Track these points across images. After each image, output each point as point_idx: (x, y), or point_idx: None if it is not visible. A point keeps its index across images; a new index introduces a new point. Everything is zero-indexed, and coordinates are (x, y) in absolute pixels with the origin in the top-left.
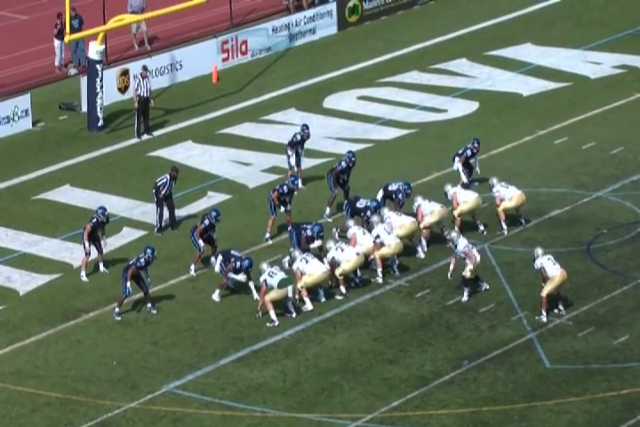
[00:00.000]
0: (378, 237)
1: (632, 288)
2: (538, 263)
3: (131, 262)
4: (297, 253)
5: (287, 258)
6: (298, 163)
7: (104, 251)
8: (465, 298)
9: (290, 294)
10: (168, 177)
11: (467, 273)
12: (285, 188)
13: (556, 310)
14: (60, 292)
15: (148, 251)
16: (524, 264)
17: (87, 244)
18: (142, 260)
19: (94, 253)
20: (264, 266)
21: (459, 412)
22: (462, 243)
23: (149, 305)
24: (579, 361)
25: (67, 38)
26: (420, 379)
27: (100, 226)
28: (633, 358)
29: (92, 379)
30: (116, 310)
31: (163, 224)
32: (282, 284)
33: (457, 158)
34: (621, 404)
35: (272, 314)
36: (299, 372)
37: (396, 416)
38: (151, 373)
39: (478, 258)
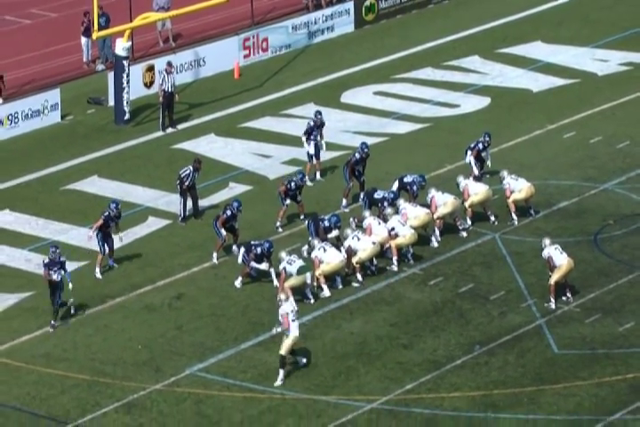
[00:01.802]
0: (393, 229)
1: (638, 277)
2: (545, 253)
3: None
4: (315, 242)
5: (306, 247)
6: (317, 155)
7: (115, 247)
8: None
9: (308, 281)
10: (191, 169)
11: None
12: (293, 184)
13: (564, 298)
14: (88, 278)
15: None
16: (534, 254)
17: (98, 240)
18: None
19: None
20: (283, 254)
21: (470, 395)
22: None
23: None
24: (586, 346)
25: (94, 35)
26: (433, 363)
27: (111, 220)
28: (638, 344)
29: (119, 362)
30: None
31: (186, 214)
32: (300, 271)
33: (469, 152)
34: (627, 388)
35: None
36: (316, 356)
37: (410, 399)
38: (175, 356)
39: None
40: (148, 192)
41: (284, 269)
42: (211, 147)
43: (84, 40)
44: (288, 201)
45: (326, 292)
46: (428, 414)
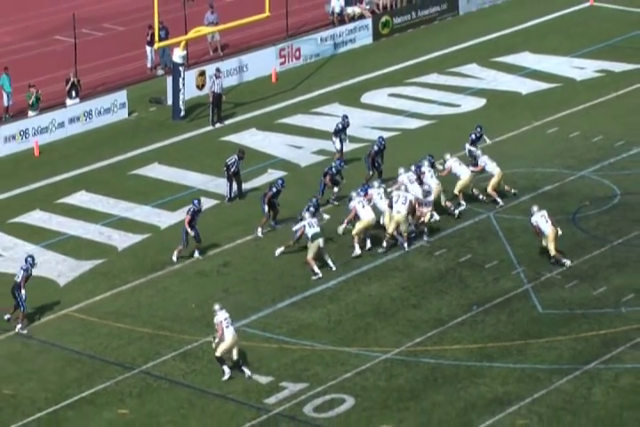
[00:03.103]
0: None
1: (608, 249)
2: (533, 220)
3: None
4: (355, 194)
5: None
6: (342, 149)
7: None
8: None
9: (322, 245)
10: (236, 157)
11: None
12: (334, 169)
13: (564, 260)
14: (150, 248)
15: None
16: (522, 229)
17: (190, 230)
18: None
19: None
20: (306, 214)
21: (468, 347)
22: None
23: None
24: (565, 307)
25: (156, 45)
26: (438, 321)
27: (197, 214)
28: (609, 306)
29: (176, 318)
30: (259, 229)
31: (232, 195)
32: (314, 237)
33: (467, 144)
34: (599, 342)
35: (315, 268)
36: (340, 314)
37: (419, 350)
38: None
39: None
40: (199, 177)
41: (304, 227)
42: (252, 139)
43: (148, 49)
44: (335, 189)
45: (357, 250)
46: (433, 363)
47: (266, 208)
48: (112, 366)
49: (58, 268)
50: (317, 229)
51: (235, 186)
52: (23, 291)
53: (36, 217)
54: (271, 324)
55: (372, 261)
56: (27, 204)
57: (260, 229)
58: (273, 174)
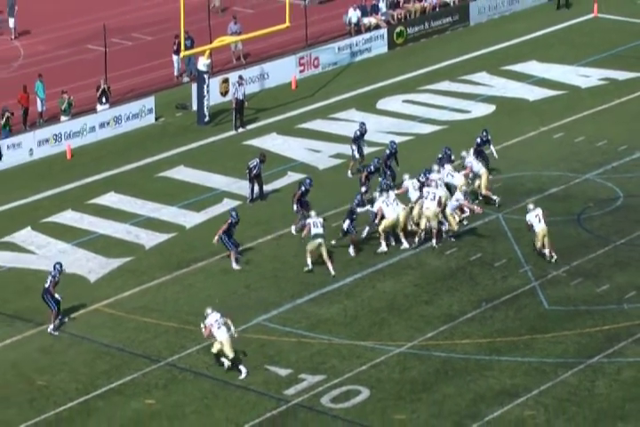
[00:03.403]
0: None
1: (612, 249)
2: (528, 218)
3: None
4: (378, 195)
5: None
6: (361, 154)
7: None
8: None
9: (323, 247)
10: (258, 161)
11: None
12: (372, 167)
13: (548, 258)
14: (176, 247)
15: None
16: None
17: (223, 241)
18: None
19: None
20: (312, 213)
21: (478, 342)
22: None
23: (303, 221)
24: (570, 304)
25: (182, 54)
26: (449, 316)
27: (233, 226)
28: (612, 302)
29: (200, 313)
30: (293, 227)
31: (254, 196)
32: (314, 236)
33: (472, 149)
34: (603, 337)
35: (308, 260)
36: (356, 309)
37: (430, 344)
38: (244, 309)
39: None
40: (223, 179)
41: (310, 224)
42: (273, 143)
43: (174, 58)
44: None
45: (384, 247)
46: (444, 356)
47: (295, 207)
48: (139, 359)
49: (88, 265)
50: (320, 230)
51: (256, 188)
52: (57, 295)
53: (68, 217)
54: (290, 319)
55: (387, 260)
56: (59, 204)
57: (294, 227)
58: (292, 177)
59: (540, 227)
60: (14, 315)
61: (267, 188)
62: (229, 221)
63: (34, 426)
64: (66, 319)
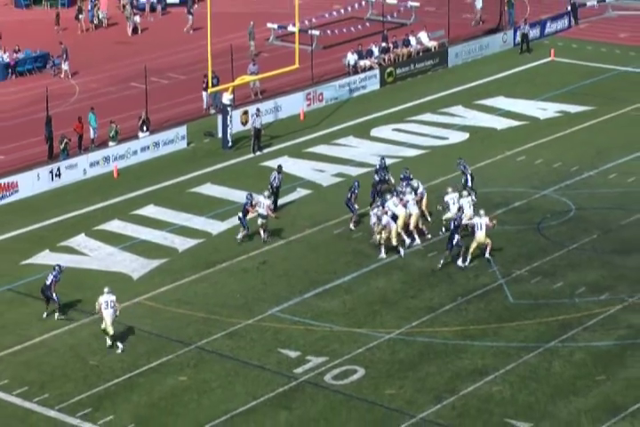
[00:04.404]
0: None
1: (565, 252)
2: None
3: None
4: (389, 196)
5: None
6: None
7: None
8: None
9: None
10: (276, 173)
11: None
12: (377, 177)
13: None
14: (204, 250)
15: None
16: (497, 237)
17: (242, 218)
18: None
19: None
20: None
21: (454, 329)
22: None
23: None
24: (531, 298)
25: (209, 90)
26: (430, 308)
27: (247, 207)
28: (565, 297)
29: (224, 305)
30: (351, 224)
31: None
32: (260, 216)
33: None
34: (558, 325)
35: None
36: (353, 302)
37: (415, 331)
38: (260, 302)
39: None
40: (243, 194)
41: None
42: (284, 164)
43: (203, 93)
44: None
45: (383, 255)
46: (427, 341)
47: (354, 206)
48: (173, 343)
49: (132, 265)
50: (263, 212)
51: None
52: (54, 293)
53: (115, 225)
54: (299, 310)
55: (379, 261)
56: (108, 215)
57: (351, 225)
58: (301, 192)
59: (479, 234)
60: (71, 306)
61: (280, 201)
62: (246, 202)
63: (87, 398)
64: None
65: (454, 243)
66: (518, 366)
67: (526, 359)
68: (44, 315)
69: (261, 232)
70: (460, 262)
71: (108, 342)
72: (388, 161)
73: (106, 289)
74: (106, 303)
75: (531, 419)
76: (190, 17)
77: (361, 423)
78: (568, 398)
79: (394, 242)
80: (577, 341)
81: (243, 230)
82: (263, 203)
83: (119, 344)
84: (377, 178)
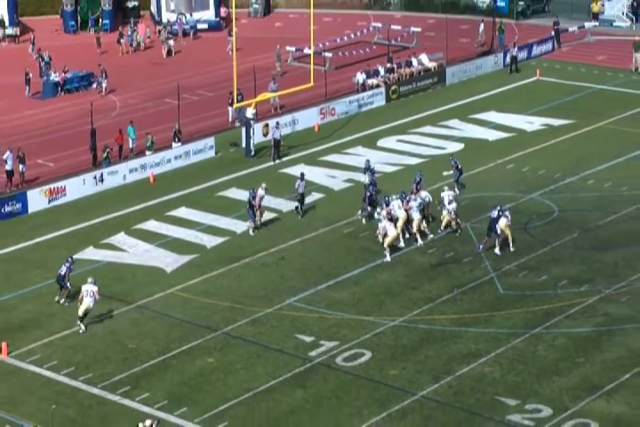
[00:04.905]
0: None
1: (549, 249)
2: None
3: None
4: (395, 198)
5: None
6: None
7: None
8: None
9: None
10: (299, 179)
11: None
12: (367, 180)
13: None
14: (229, 247)
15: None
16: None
17: (250, 212)
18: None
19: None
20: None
21: (451, 317)
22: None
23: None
24: (519, 290)
25: (234, 106)
26: (430, 298)
27: (253, 199)
28: (549, 288)
29: (247, 295)
30: (362, 215)
31: (301, 212)
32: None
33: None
34: (542, 314)
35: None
36: (362, 293)
37: (416, 319)
38: (279, 292)
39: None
40: (265, 197)
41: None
42: (301, 171)
43: (229, 109)
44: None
45: (388, 258)
46: (426, 328)
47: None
48: (202, 329)
49: (166, 260)
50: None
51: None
52: (67, 282)
53: (151, 225)
54: (313, 300)
55: (384, 257)
56: (145, 215)
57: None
58: (315, 196)
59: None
60: (112, 296)
61: (295, 204)
62: (251, 194)
63: (126, 378)
64: (149, 299)
65: (494, 231)
66: (507, 349)
67: (514, 344)
68: (57, 300)
69: (258, 215)
70: (497, 251)
71: (82, 328)
72: (393, 168)
73: (89, 279)
74: (86, 292)
75: (518, 396)
76: (230, 38)
77: (368, 400)
78: (551, 378)
79: (396, 244)
80: (559, 327)
81: (250, 223)
82: (260, 194)
83: (82, 326)
84: (367, 181)
